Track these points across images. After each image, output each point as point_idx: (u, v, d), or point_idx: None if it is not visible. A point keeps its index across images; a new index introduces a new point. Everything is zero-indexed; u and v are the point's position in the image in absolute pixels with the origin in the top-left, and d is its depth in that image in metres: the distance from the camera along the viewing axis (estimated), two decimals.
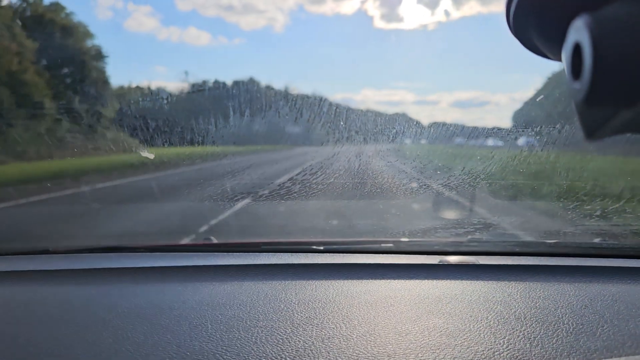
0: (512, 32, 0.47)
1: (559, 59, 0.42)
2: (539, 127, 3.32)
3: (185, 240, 3.46)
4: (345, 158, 3.92)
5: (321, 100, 3.75)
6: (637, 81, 0.33)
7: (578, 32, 0.36)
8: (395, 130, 3.47)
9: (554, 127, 3.08)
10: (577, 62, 0.36)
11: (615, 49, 0.33)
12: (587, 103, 0.35)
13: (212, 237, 1.88)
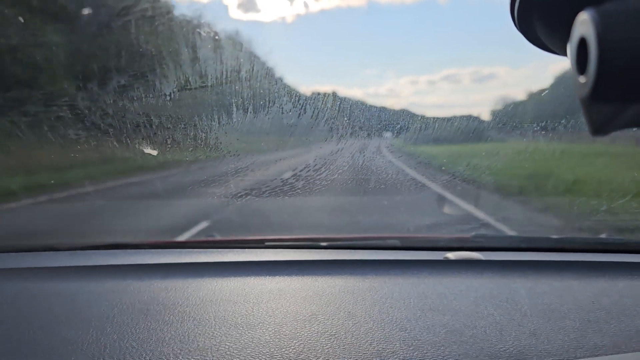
0: (516, 27, 0.47)
1: (565, 54, 0.41)
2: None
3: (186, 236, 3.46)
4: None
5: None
6: None
7: (583, 26, 0.35)
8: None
9: (559, 122, 3.06)
10: (583, 56, 0.35)
11: (621, 43, 0.33)
12: (593, 98, 0.35)
13: (215, 234, 1.89)
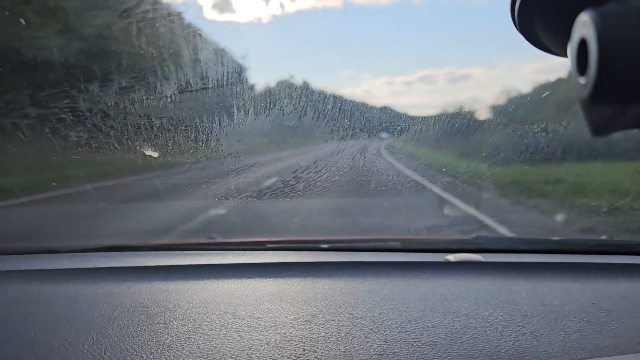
0: (517, 28, 0.47)
1: (565, 55, 0.41)
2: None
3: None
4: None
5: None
6: None
7: (583, 27, 0.35)
8: None
9: (560, 124, 3.06)
10: (583, 57, 0.35)
11: (621, 44, 0.33)
12: (593, 99, 0.35)
13: (216, 236, 1.89)
